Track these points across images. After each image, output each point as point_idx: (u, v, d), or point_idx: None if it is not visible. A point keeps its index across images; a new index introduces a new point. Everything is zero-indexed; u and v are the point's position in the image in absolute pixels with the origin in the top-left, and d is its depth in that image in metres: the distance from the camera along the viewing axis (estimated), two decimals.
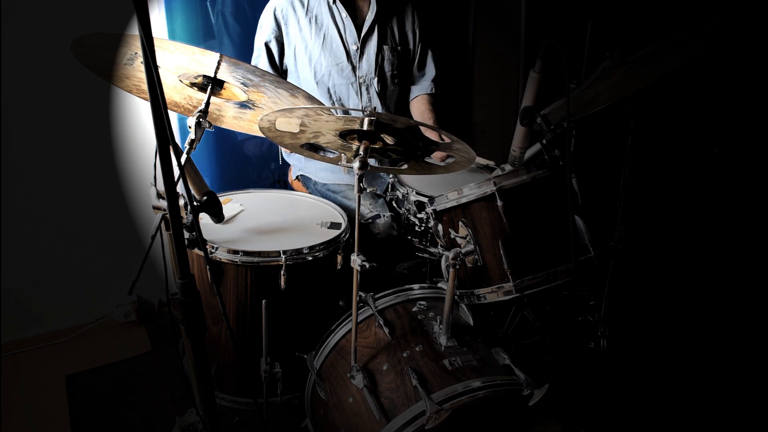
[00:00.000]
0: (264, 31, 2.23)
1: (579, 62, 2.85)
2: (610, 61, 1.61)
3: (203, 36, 2.57)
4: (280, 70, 2.30)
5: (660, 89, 2.90)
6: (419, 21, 2.35)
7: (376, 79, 2.26)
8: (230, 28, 2.60)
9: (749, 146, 3.00)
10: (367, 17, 2.22)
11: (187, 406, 1.57)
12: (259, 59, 2.26)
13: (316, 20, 2.19)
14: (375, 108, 2.28)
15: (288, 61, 2.27)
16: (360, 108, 2.24)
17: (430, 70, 2.43)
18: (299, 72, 2.26)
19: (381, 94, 2.29)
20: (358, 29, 2.22)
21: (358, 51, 2.22)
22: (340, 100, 2.26)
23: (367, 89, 2.26)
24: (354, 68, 2.23)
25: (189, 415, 1.56)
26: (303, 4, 2.20)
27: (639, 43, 1.62)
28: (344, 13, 2.20)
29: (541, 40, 1.50)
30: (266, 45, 2.23)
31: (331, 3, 2.19)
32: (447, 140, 1.43)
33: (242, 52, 2.56)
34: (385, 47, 2.26)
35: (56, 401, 2.20)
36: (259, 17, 2.25)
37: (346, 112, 2.15)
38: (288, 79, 2.28)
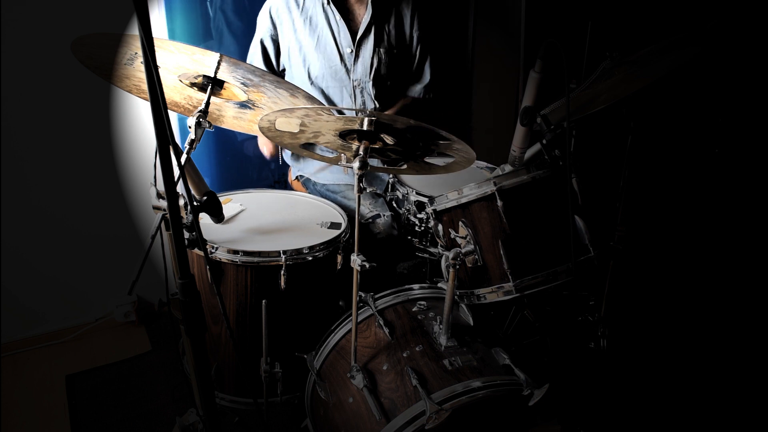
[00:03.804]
0: (260, 29, 2.24)
1: (579, 62, 2.85)
2: (610, 61, 1.61)
3: (203, 36, 2.57)
4: (275, 69, 2.30)
5: (660, 89, 2.90)
6: (420, 25, 2.29)
7: (370, 82, 2.22)
8: (231, 25, 2.60)
9: (749, 146, 3.01)
10: (363, 20, 2.18)
11: (187, 406, 1.57)
12: (254, 55, 2.27)
13: (310, 21, 2.17)
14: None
15: (284, 60, 2.26)
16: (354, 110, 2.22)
17: (425, 77, 2.38)
18: (293, 72, 2.25)
19: (375, 97, 2.25)
20: (353, 33, 2.18)
21: (353, 54, 2.19)
22: (333, 102, 2.24)
23: (362, 92, 2.23)
24: (348, 71, 2.20)
25: (189, 415, 1.56)
26: (298, 5, 2.18)
27: (639, 43, 1.63)
28: (338, 16, 2.15)
29: (541, 40, 1.50)
30: (261, 42, 2.24)
31: (325, 4, 2.16)
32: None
33: (243, 49, 2.56)
34: (382, 50, 2.21)
35: (56, 401, 2.20)
36: (258, 13, 2.25)
37: (341, 112, 2.15)
38: (286, 79, 2.28)
